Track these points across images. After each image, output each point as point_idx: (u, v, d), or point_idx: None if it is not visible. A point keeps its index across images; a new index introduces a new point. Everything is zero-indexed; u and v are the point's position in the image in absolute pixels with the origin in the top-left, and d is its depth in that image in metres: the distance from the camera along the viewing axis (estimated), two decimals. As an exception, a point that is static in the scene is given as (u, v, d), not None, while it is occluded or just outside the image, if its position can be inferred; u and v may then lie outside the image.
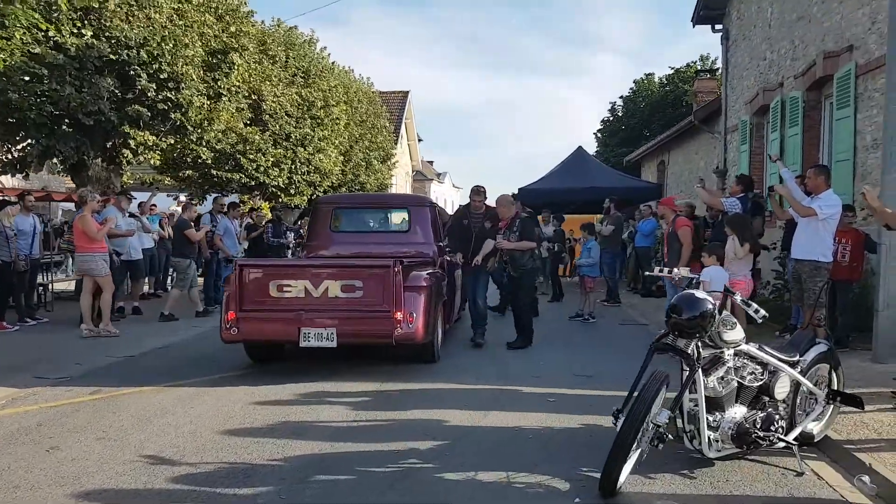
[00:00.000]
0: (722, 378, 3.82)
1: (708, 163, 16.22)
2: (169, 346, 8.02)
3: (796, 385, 4.12)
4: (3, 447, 4.42)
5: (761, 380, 3.97)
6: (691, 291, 3.68)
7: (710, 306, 3.60)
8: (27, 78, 10.42)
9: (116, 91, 11.26)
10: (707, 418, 3.76)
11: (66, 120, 11.44)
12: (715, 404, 3.84)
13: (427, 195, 39.97)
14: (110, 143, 12.74)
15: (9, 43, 9.21)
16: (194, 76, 12.51)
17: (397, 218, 8.28)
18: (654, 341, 3.82)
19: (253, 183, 17.67)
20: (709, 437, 3.78)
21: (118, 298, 9.78)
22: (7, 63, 9.35)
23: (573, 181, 14.85)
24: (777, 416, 3.95)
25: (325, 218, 8.19)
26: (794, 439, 4.03)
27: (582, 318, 9.97)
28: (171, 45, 11.82)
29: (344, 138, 21.12)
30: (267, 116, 17.46)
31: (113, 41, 11.02)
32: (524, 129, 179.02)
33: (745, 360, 3.93)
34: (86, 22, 10.79)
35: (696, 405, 3.73)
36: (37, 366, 6.79)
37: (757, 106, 12.28)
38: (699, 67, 27.47)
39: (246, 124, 16.91)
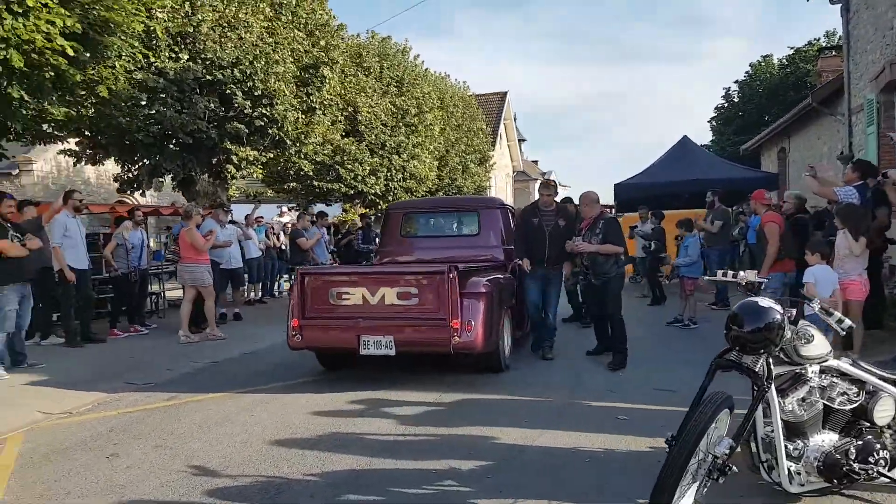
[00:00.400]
0: (803, 400, 3.27)
1: (832, 148, 14.75)
2: (255, 352, 8.22)
3: None
4: (72, 452, 4.62)
5: (856, 401, 3.37)
6: (755, 299, 3.17)
7: (778, 316, 3.08)
8: (143, 102, 11.19)
9: (214, 110, 11.84)
10: (786, 446, 3.22)
11: (173, 139, 12.19)
12: (796, 430, 3.29)
13: (530, 196, 39.45)
14: (215, 160, 13.43)
15: (113, 71, 9.87)
16: (287, 91, 12.92)
17: (467, 221, 8.01)
18: (717, 356, 3.33)
19: (352, 192, 18.11)
20: (789, 469, 3.24)
21: (218, 305, 10.24)
22: (112, 90, 10.02)
23: (676, 174, 13.88)
24: (878, 446, 3.32)
25: (395, 224, 8.12)
26: (904, 474, 3.39)
27: (681, 323, 9.25)
28: (262, 63, 12.27)
29: (439, 143, 21.23)
30: (362, 127, 17.86)
31: (208, 62, 11.59)
32: (634, 122, 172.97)
33: (834, 379, 3.36)
34: (182, 46, 11.41)
35: (773, 431, 3.22)
36: (132, 372, 7.14)
37: (884, 82, 10.93)
38: (823, 45, 25.19)
39: (342, 136, 17.38)
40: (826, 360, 3.32)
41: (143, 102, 10.95)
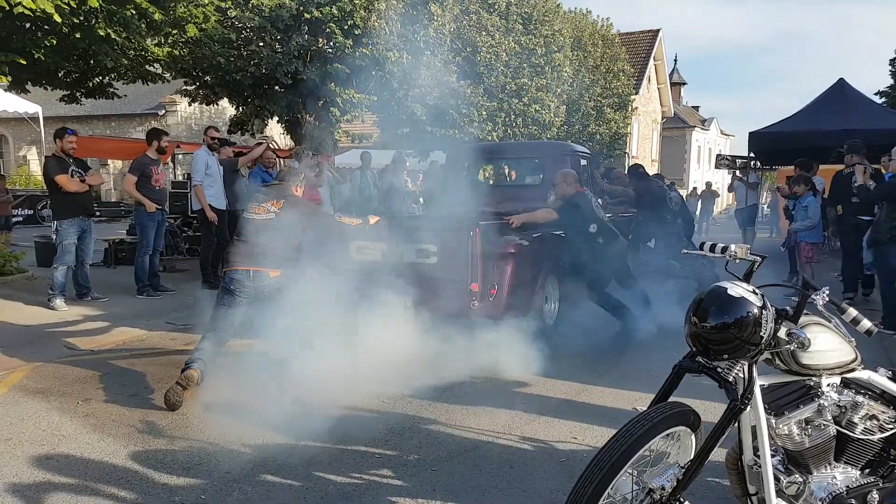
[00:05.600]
0: (807, 422, 2.32)
1: None
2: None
3: None
4: (54, 393, 4.52)
5: (891, 429, 2.36)
6: (725, 285, 2.19)
7: (755, 310, 2.11)
8: (233, 40, 11.21)
9: (310, 48, 11.66)
10: (780, 479, 2.35)
11: (274, 80, 12.22)
12: (796, 460, 2.39)
13: (685, 144, 36.35)
14: (322, 102, 13.36)
15: (203, 10, 9.88)
16: (388, 30, 12.45)
17: (530, 170, 7.11)
18: (685, 356, 2.39)
19: (467, 139, 17.40)
20: None
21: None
22: (203, 29, 10.07)
23: (823, 122, 11.58)
24: None
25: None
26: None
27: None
28: (362, 0, 11.85)
29: (569, 86, 19.74)
30: (481, 68, 16.95)
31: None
32: (822, 64, 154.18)
33: (860, 398, 2.35)
34: (275, -17, 11.24)
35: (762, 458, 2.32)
36: (181, 311, 7.01)
37: None
38: None
39: (457, 77, 16.59)
40: (853, 371, 2.32)
41: (236, 42, 10.97)
